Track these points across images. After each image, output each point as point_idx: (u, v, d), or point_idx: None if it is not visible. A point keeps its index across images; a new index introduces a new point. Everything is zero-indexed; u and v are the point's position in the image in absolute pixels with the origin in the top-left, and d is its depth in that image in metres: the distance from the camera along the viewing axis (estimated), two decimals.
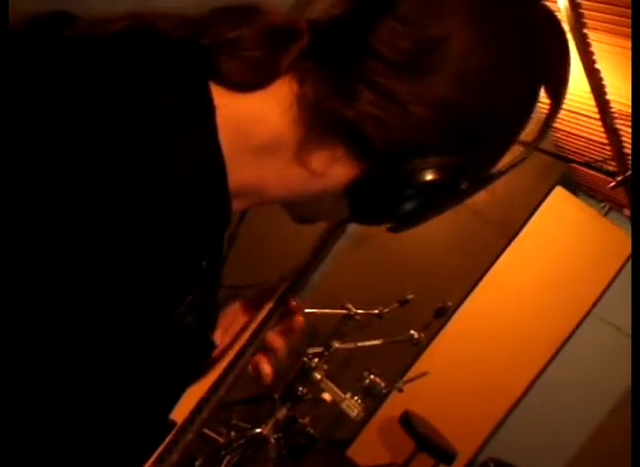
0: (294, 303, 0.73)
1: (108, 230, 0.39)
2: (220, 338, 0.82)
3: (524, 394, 4.15)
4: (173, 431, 0.69)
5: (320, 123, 0.47)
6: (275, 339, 0.75)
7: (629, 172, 2.26)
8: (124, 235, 0.40)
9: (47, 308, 0.38)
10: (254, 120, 0.48)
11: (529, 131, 0.55)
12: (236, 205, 0.51)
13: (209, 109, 0.45)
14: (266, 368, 0.75)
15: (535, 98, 0.53)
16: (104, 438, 0.48)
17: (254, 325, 0.76)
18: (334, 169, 0.50)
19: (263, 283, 0.75)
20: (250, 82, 0.48)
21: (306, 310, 2.46)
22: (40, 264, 0.38)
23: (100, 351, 0.42)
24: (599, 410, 4.10)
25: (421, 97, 0.47)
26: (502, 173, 0.55)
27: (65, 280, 0.38)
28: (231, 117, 0.46)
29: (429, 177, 0.49)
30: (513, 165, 0.55)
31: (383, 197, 0.51)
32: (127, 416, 0.50)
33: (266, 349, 0.76)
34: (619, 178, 2.20)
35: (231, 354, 0.75)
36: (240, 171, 0.48)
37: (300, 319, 0.73)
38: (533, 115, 0.54)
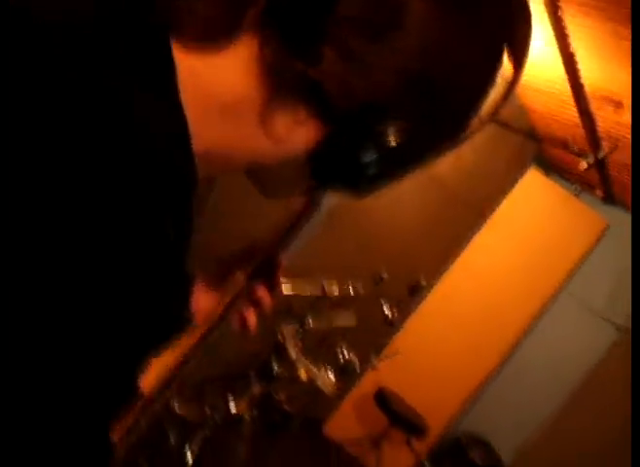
0: (279, 257, 0.75)
1: (66, 192, 0.38)
2: (196, 302, 0.83)
3: (497, 371, 4.24)
4: (142, 401, 0.70)
5: (282, 83, 0.47)
6: (261, 290, 0.76)
7: (600, 155, 2.31)
8: (83, 198, 0.39)
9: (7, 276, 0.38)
10: (215, 81, 0.47)
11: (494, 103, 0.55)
12: (201, 172, 0.51)
13: (170, 68, 0.44)
14: (252, 318, 0.77)
15: (497, 64, 0.53)
16: (68, 406, 0.48)
17: (228, 297, 0.77)
18: (297, 133, 0.50)
19: (231, 255, 0.76)
20: (210, 41, 0.47)
21: (284, 292, 2.47)
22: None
23: (62, 317, 0.42)
24: (569, 385, 4.22)
25: (385, 59, 0.47)
26: (464, 138, 0.55)
27: (27, 246, 0.38)
28: (192, 77, 0.46)
29: (390, 140, 0.49)
30: (473, 130, 0.55)
31: (345, 160, 0.51)
32: (92, 384, 0.50)
33: (252, 302, 0.77)
34: (590, 161, 2.24)
35: (203, 326, 0.76)
36: (203, 134, 0.47)
37: (283, 272, 0.75)
38: (495, 82, 0.55)
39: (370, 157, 0.50)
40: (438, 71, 0.49)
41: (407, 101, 0.49)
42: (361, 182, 0.53)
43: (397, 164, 0.52)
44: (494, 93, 0.55)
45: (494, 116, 0.56)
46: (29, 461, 0.46)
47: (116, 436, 0.65)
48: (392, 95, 0.48)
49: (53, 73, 0.39)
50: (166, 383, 0.72)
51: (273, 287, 0.79)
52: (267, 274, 0.78)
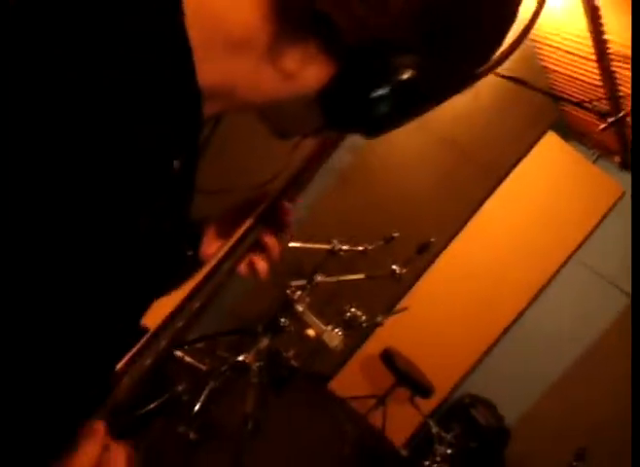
0: (287, 203, 0.74)
1: (72, 121, 0.37)
2: (206, 248, 0.83)
3: (503, 334, 4.26)
4: (146, 336, 0.70)
5: (291, 16, 0.45)
6: (268, 236, 0.76)
7: (621, 113, 2.24)
8: (88, 127, 0.38)
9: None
10: (223, 15, 0.45)
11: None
12: (209, 108, 0.49)
13: (176, 1, 0.43)
14: (261, 264, 0.78)
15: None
16: (73, 342, 0.48)
17: (234, 237, 0.76)
18: (306, 70, 0.48)
19: (237, 188, 0.75)
20: None
21: (291, 244, 2.47)
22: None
23: (63, 253, 0.41)
24: (576, 350, 4.24)
25: None
26: (479, 76, 0.53)
27: (25, 177, 0.37)
28: (198, 9, 0.44)
29: (403, 76, 0.47)
30: (489, 68, 0.53)
31: (357, 97, 0.49)
32: (96, 321, 0.50)
33: (259, 248, 0.77)
34: (610, 119, 2.18)
35: (209, 266, 0.76)
36: (210, 69, 0.46)
37: (289, 216, 0.75)
38: (516, 14, 0.52)
39: (381, 93, 0.48)
40: (453, 3, 0.46)
41: (420, 34, 0.46)
42: (372, 120, 0.52)
43: (409, 101, 0.50)
44: (514, 27, 0.53)
45: (512, 52, 0.54)
46: (31, 394, 0.46)
47: (119, 373, 0.66)
48: (405, 28, 0.46)
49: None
50: (171, 317, 0.72)
51: (282, 231, 0.79)
52: (275, 219, 0.77)
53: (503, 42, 0.52)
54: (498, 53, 0.53)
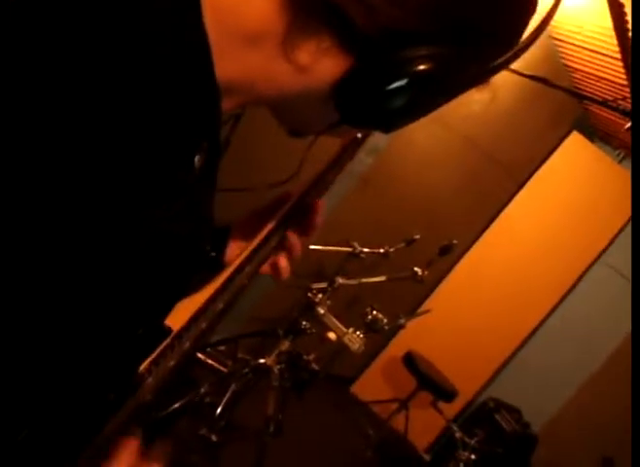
0: (318, 202, 0.74)
1: (90, 119, 0.37)
2: (231, 250, 0.82)
3: (528, 338, 4.20)
4: (169, 337, 0.70)
5: (306, 8, 0.45)
6: (292, 236, 0.76)
7: None
8: (106, 125, 0.38)
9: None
10: (238, 8, 0.45)
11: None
12: (226, 103, 0.49)
13: None
14: (284, 263, 0.77)
15: None
16: (96, 344, 0.48)
17: (258, 239, 0.76)
18: (321, 63, 0.48)
19: (259, 186, 0.75)
20: None
21: (312, 247, 2.47)
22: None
23: (80, 253, 0.40)
24: (602, 354, 4.16)
25: None
26: (498, 67, 0.52)
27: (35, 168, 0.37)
28: (215, 3, 0.44)
29: (420, 67, 0.46)
30: (508, 60, 0.51)
31: (372, 90, 0.48)
32: (118, 321, 0.50)
33: (283, 247, 0.77)
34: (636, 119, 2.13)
35: (232, 267, 0.76)
36: (226, 62, 0.46)
37: (319, 217, 0.74)
38: (535, 6, 0.51)
39: (397, 86, 0.47)
40: None
41: (435, 25, 0.46)
42: (388, 114, 0.51)
43: (425, 94, 0.49)
44: (532, 19, 0.51)
45: (531, 44, 0.53)
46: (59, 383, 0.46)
47: (144, 374, 0.66)
48: (419, 19, 0.45)
49: None
50: (194, 319, 0.72)
51: (307, 233, 0.78)
52: (302, 220, 0.76)
53: (521, 33, 0.51)
54: (516, 45, 0.52)
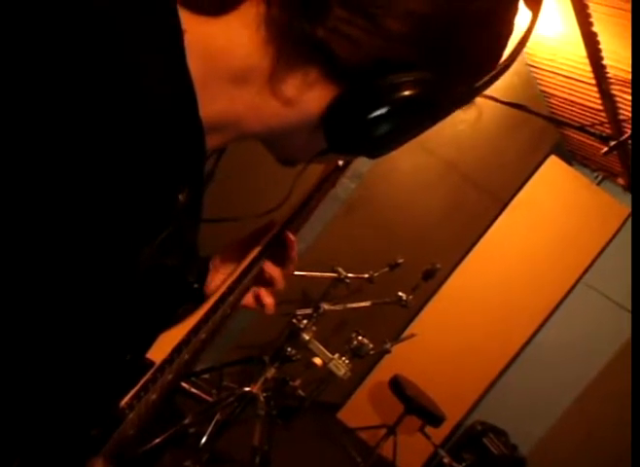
0: (291, 236, 0.74)
1: (72, 154, 0.37)
2: (212, 280, 0.82)
3: (513, 360, 4.21)
4: (151, 370, 0.69)
5: (290, 44, 0.46)
6: (272, 269, 0.76)
7: (623, 137, 2.25)
8: (89, 160, 0.38)
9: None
10: (223, 45, 0.46)
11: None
12: (213, 140, 0.50)
13: (177, 33, 0.43)
14: (268, 298, 0.77)
15: (511, 9, 0.51)
16: (76, 377, 0.48)
17: (239, 269, 0.76)
18: (308, 95, 0.49)
19: (247, 216, 0.75)
20: (216, 4, 0.46)
21: (296, 273, 2.47)
22: None
23: (65, 288, 0.40)
24: (587, 375, 4.17)
25: (390, 9, 0.45)
26: (479, 89, 0.53)
27: (24, 207, 0.37)
28: (199, 42, 0.45)
29: (404, 93, 0.47)
30: (489, 80, 0.53)
31: (358, 118, 0.49)
32: (99, 356, 0.50)
33: (264, 281, 0.77)
34: (612, 143, 2.18)
35: (214, 298, 0.75)
36: (212, 101, 0.47)
37: (294, 250, 0.75)
38: (511, 28, 0.52)
39: (382, 112, 0.48)
40: (446, 18, 0.47)
41: (416, 52, 0.47)
42: (375, 140, 0.51)
43: (410, 119, 0.50)
44: (510, 41, 0.53)
45: (509, 67, 0.54)
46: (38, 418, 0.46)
47: (125, 408, 0.65)
48: (401, 47, 0.46)
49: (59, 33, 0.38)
50: (177, 350, 0.71)
51: (286, 265, 0.78)
52: (280, 252, 0.77)
53: (500, 55, 0.53)
54: (496, 67, 0.53)
